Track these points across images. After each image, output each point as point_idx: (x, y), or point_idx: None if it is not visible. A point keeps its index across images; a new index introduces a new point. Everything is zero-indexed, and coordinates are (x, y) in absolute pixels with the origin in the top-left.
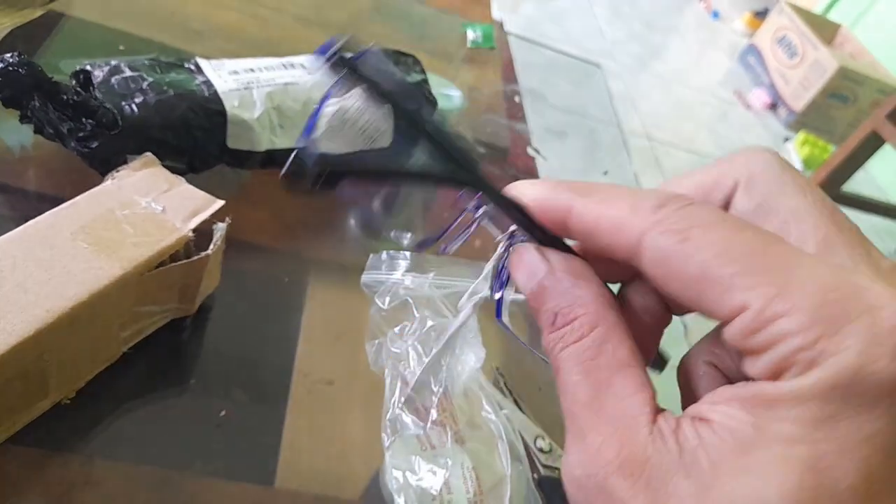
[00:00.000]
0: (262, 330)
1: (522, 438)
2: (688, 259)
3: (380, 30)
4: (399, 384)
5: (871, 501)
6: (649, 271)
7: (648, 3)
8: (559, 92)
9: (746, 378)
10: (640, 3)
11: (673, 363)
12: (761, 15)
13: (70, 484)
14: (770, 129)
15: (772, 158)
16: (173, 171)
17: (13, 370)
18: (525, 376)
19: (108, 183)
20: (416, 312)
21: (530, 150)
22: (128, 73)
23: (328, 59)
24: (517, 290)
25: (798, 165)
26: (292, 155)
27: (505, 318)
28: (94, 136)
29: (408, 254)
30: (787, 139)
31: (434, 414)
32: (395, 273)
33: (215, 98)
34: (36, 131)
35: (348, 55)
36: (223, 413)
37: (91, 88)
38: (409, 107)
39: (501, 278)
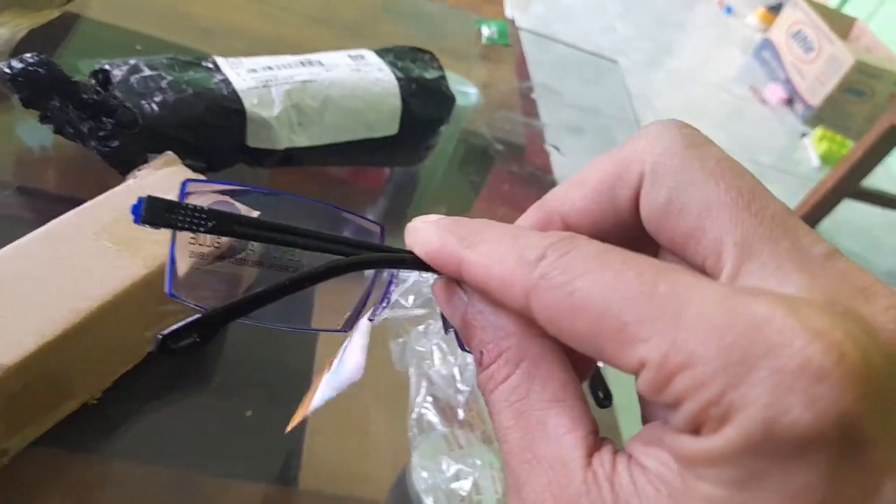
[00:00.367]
0: (283, 330)
1: None
2: (576, 317)
3: (391, 27)
4: (424, 383)
5: None
6: (545, 327)
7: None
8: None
9: None
10: (653, 1)
11: None
12: (775, 9)
13: (91, 484)
14: (786, 125)
15: (675, 136)
16: (192, 169)
17: (39, 371)
18: None
19: (130, 182)
20: (439, 310)
21: (548, 147)
22: (146, 72)
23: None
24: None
25: (816, 161)
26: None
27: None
28: (114, 136)
29: None
30: (803, 134)
31: (461, 413)
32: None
33: (234, 96)
34: (56, 131)
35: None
36: (249, 413)
37: (110, 88)
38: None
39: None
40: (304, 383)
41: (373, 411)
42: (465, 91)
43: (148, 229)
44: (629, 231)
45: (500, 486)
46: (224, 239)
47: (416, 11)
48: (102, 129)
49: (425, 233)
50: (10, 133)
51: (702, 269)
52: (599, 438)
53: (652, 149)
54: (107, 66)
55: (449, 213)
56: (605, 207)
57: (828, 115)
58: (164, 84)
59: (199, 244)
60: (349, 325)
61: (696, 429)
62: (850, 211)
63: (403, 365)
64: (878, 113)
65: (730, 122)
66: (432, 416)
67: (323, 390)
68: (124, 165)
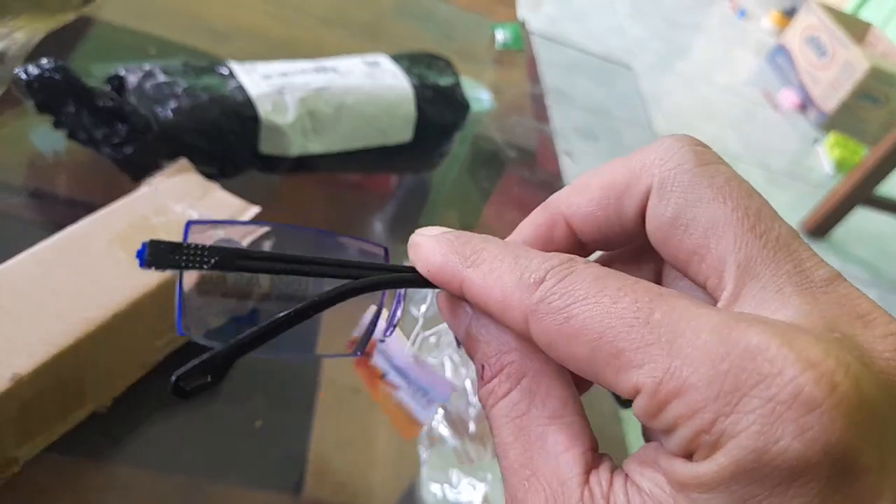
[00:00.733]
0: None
1: None
2: (573, 341)
3: (404, 30)
4: None
5: None
6: (544, 349)
7: (673, 1)
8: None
9: None
10: (665, 2)
11: None
12: (789, 13)
13: (100, 492)
14: (799, 131)
15: (687, 153)
16: (205, 176)
17: (52, 379)
18: None
19: (143, 189)
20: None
21: (560, 154)
22: (161, 78)
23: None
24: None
25: (829, 168)
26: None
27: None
28: (128, 142)
29: None
30: (816, 140)
31: (472, 426)
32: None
33: (248, 103)
34: (69, 136)
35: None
36: (259, 423)
37: (125, 94)
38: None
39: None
40: (311, 393)
41: (381, 422)
42: (479, 97)
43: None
44: (633, 240)
45: None
46: (231, 274)
47: (429, 14)
48: (116, 136)
49: (426, 249)
50: (23, 138)
51: (703, 288)
52: (598, 455)
53: (662, 163)
54: (122, 72)
55: (460, 219)
56: (611, 215)
57: (841, 121)
58: (178, 90)
59: (207, 280)
60: (360, 347)
61: (688, 454)
62: (862, 219)
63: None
64: (893, 120)
65: (741, 126)
66: (443, 428)
67: (424, 408)
68: (138, 172)
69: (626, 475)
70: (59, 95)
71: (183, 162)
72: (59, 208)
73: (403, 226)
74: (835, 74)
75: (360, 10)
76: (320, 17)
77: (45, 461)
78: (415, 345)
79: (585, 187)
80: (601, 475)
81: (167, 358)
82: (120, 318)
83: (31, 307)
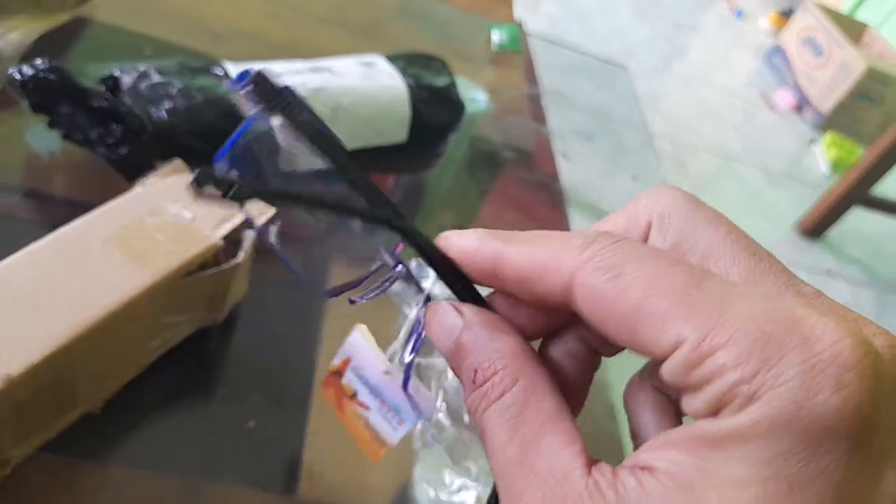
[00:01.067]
0: (286, 339)
1: None
2: (620, 295)
3: (402, 31)
4: (441, 393)
5: None
6: (582, 310)
7: (671, 2)
8: (584, 94)
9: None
10: (663, 2)
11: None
12: (786, 14)
13: (94, 492)
14: (796, 131)
15: (680, 195)
16: None
17: (45, 379)
18: None
19: (138, 190)
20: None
21: (559, 154)
22: (157, 78)
23: (254, 88)
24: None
25: (825, 168)
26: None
27: (411, 388)
28: (123, 143)
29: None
30: (812, 141)
31: (466, 418)
32: (425, 281)
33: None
34: (64, 137)
35: (279, 88)
36: (251, 424)
37: (120, 94)
38: (335, 155)
39: (413, 343)
40: (306, 392)
41: None
42: (475, 97)
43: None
44: None
45: None
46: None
47: (427, 14)
48: (111, 136)
49: (463, 235)
50: (18, 138)
51: None
52: (593, 458)
53: (657, 202)
54: (117, 73)
55: (456, 219)
56: None
57: (838, 121)
58: (173, 91)
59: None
60: (332, 293)
61: (718, 409)
62: (858, 219)
63: (425, 381)
64: (890, 120)
65: (739, 127)
66: (443, 418)
67: (393, 428)
68: (132, 172)
69: (631, 466)
70: (54, 96)
71: (177, 162)
72: (53, 208)
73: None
74: (831, 75)
75: (358, 11)
76: (319, 18)
77: (38, 461)
78: (408, 349)
79: (523, 246)
80: (603, 469)
81: (160, 359)
82: (114, 319)
83: (24, 307)
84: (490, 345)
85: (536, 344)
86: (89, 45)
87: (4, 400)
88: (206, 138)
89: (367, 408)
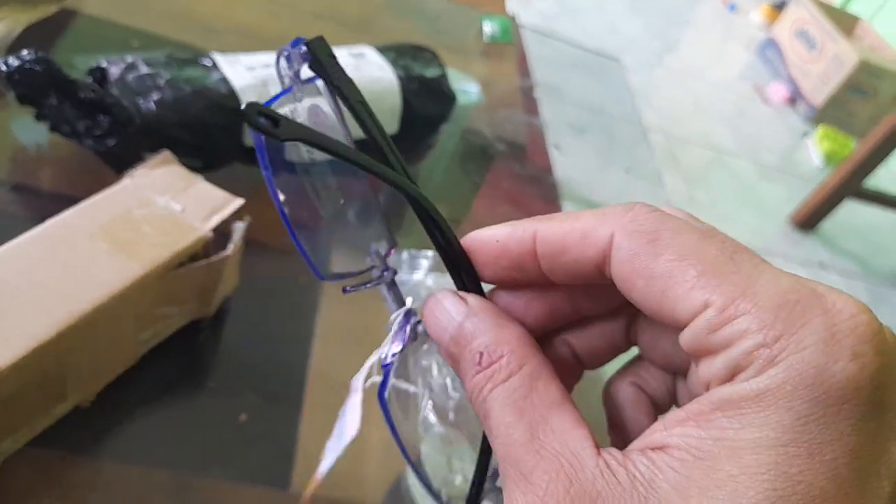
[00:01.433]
0: (278, 332)
1: None
2: (655, 258)
3: (394, 23)
4: (427, 393)
5: None
6: (615, 271)
7: None
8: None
9: (677, 403)
10: None
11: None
12: (778, 7)
13: (83, 487)
14: (789, 124)
15: (644, 204)
16: (189, 168)
17: (33, 373)
18: None
19: (126, 182)
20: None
21: (551, 146)
22: (144, 70)
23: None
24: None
25: (818, 161)
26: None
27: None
28: (111, 134)
29: (430, 253)
30: (805, 134)
31: (451, 416)
32: (417, 273)
33: (232, 95)
34: (51, 129)
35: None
36: (243, 417)
37: (107, 86)
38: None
39: (392, 345)
40: (298, 386)
41: (369, 415)
42: (467, 89)
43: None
44: (589, 279)
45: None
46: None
47: (418, 7)
48: (99, 128)
49: (494, 227)
50: (5, 130)
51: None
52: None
53: (625, 209)
54: (104, 64)
55: (449, 212)
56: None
57: (831, 114)
58: (161, 82)
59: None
60: (333, 278)
61: (735, 372)
62: (851, 211)
63: (411, 380)
64: (882, 113)
65: (732, 120)
66: (432, 416)
67: (327, 455)
68: (120, 164)
69: (641, 449)
70: (40, 87)
71: (166, 154)
72: (41, 201)
73: (390, 217)
74: (824, 68)
75: (349, 4)
76: (309, 11)
77: (27, 456)
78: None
79: (561, 219)
80: (612, 451)
81: (151, 352)
82: (102, 311)
83: (12, 300)
84: (496, 330)
85: None
86: (76, 38)
87: None
88: (194, 130)
89: (330, 437)
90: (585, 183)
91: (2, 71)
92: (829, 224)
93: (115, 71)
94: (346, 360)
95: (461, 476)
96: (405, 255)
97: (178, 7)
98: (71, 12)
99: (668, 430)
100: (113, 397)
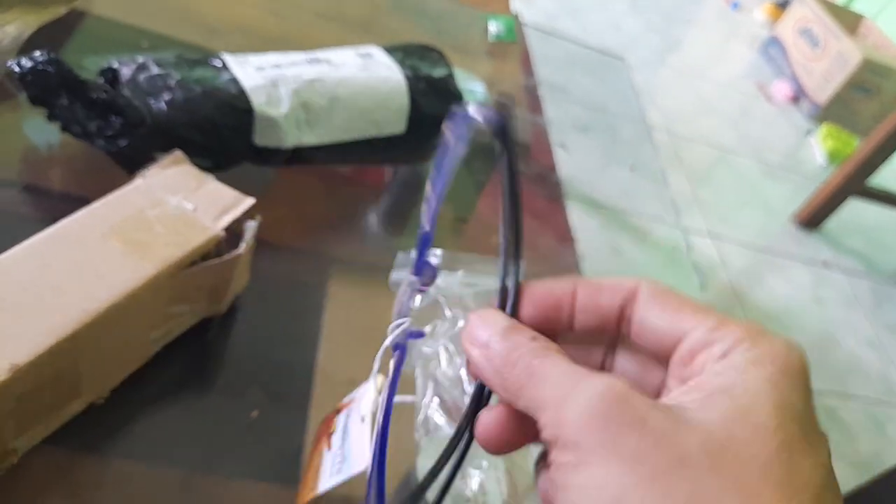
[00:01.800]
0: (286, 330)
1: None
2: (669, 295)
3: (398, 23)
4: (431, 384)
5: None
6: (642, 301)
7: None
8: (581, 86)
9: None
10: None
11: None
12: (782, 5)
13: (97, 484)
14: (792, 122)
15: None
16: (200, 168)
17: (48, 371)
18: None
19: (138, 182)
20: (446, 311)
21: (556, 145)
22: (155, 70)
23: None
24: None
25: (822, 159)
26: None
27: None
28: (122, 135)
29: (438, 251)
30: (808, 132)
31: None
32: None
33: (242, 95)
34: (63, 129)
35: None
36: (254, 414)
37: (119, 86)
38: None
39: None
40: (306, 383)
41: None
42: (473, 89)
43: None
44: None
45: (505, 487)
46: None
47: (423, 7)
48: (110, 128)
49: (543, 282)
50: (17, 131)
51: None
52: None
53: (640, 279)
54: (115, 65)
55: (454, 211)
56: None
57: (834, 112)
58: (172, 83)
59: None
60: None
61: (726, 355)
62: (855, 210)
63: (410, 366)
64: (886, 111)
65: (736, 119)
66: (439, 417)
67: (329, 474)
68: (132, 164)
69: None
70: (52, 88)
71: (177, 154)
72: (53, 202)
73: (397, 217)
74: (827, 66)
75: (354, 4)
76: (314, 11)
77: (42, 453)
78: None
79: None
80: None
81: (163, 350)
82: (116, 310)
83: (27, 299)
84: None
85: None
86: (85, 39)
87: (9, 390)
88: (205, 130)
89: (329, 448)
90: (589, 181)
91: (14, 72)
92: (833, 223)
93: (126, 72)
94: (353, 358)
95: (477, 481)
96: (413, 253)
97: (184, 7)
98: (80, 13)
99: (681, 395)
100: (125, 395)
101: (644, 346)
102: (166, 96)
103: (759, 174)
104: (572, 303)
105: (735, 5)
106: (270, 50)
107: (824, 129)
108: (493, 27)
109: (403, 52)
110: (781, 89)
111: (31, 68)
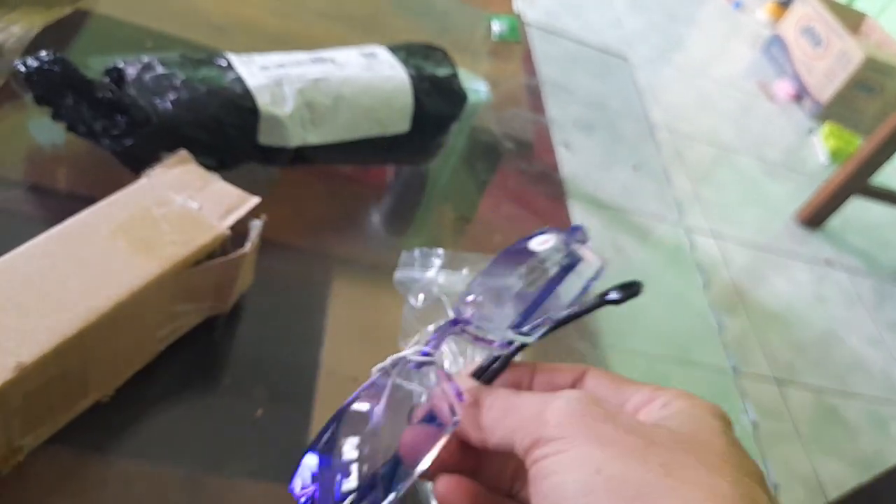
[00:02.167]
0: (291, 329)
1: None
2: (614, 377)
3: (401, 23)
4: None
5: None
6: (590, 378)
7: None
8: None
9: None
10: None
11: None
12: (784, 4)
13: (103, 483)
14: (794, 121)
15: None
16: (205, 167)
17: (55, 369)
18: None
19: (143, 181)
20: (449, 311)
21: (559, 144)
22: (160, 70)
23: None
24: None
25: (824, 158)
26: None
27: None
28: (128, 134)
29: (441, 251)
30: (811, 131)
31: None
32: (429, 270)
33: (247, 94)
34: (68, 129)
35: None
36: (259, 412)
37: (124, 86)
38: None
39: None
40: (310, 382)
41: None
42: (476, 88)
43: None
44: None
45: None
46: None
47: (426, 6)
48: (116, 128)
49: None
50: (22, 131)
51: None
52: None
53: (587, 366)
54: (121, 65)
55: (456, 210)
56: None
57: (837, 111)
58: (177, 82)
59: None
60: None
61: (664, 407)
62: (858, 209)
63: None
64: (888, 110)
65: (738, 118)
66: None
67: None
68: (137, 164)
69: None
70: (58, 88)
71: (183, 153)
72: (58, 201)
73: (401, 217)
74: (830, 64)
75: (357, 4)
76: (317, 11)
77: (47, 452)
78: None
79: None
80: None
81: (168, 348)
82: (123, 309)
83: (34, 298)
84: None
85: None
86: (91, 38)
87: (16, 388)
88: (210, 129)
89: None
90: (592, 180)
91: (20, 72)
92: (836, 221)
93: (132, 71)
94: (357, 356)
95: None
96: (416, 252)
97: (189, 6)
98: (84, 13)
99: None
100: (132, 394)
101: None
102: (171, 96)
103: (761, 173)
104: (530, 384)
105: (737, 4)
106: (275, 49)
107: (826, 127)
108: (497, 26)
109: (407, 52)
110: (784, 88)
111: (37, 68)
